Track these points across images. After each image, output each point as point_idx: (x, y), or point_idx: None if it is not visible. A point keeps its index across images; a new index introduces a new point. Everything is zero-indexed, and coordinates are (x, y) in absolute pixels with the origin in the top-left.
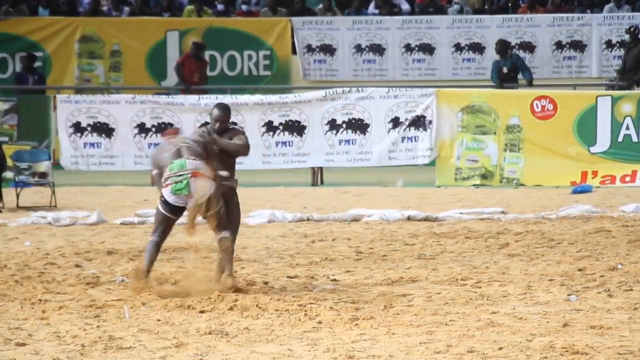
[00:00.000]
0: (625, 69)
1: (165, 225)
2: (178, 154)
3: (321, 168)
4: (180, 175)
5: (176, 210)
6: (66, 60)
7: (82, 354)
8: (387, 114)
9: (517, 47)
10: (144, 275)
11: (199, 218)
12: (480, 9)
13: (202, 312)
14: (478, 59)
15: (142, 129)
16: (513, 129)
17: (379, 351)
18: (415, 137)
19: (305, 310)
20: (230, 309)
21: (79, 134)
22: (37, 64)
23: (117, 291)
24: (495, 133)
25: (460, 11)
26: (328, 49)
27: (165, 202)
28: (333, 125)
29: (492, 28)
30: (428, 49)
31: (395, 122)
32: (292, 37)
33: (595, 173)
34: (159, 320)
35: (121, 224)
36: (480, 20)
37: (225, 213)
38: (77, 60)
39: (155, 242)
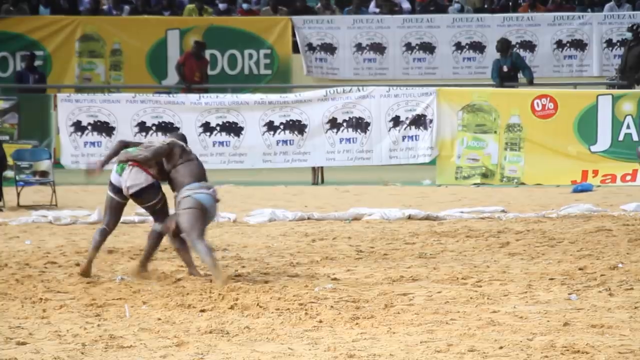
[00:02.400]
0: (626, 68)
1: (113, 210)
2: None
3: (322, 167)
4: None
5: (118, 191)
6: (67, 59)
7: (82, 353)
8: (388, 112)
9: (517, 46)
10: (88, 268)
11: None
12: (480, 7)
13: (202, 311)
14: (478, 58)
15: (143, 127)
16: (514, 128)
17: (379, 350)
18: (415, 136)
19: (305, 309)
20: (231, 307)
21: (79, 133)
22: (38, 62)
23: (118, 290)
24: (495, 132)
25: (461, 10)
26: (329, 48)
27: (110, 183)
28: (334, 124)
29: (493, 27)
30: (429, 47)
31: (396, 121)
32: (293, 36)
33: (595, 172)
34: (159, 319)
35: (121, 222)
36: (481, 19)
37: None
38: (78, 59)
39: (102, 230)
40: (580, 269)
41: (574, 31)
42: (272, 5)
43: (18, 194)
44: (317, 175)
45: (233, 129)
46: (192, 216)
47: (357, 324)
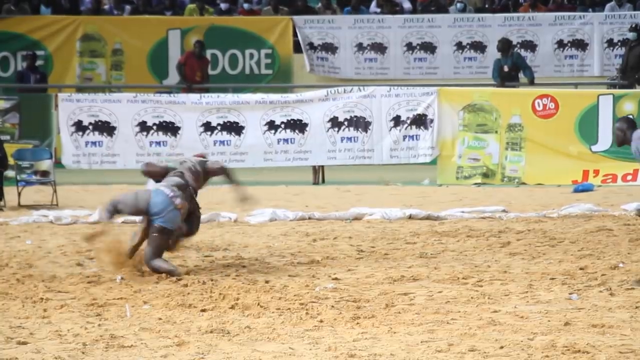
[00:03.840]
0: (627, 68)
1: None
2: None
3: (322, 167)
4: None
5: None
6: (68, 58)
7: (83, 353)
8: (389, 112)
9: (518, 45)
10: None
11: None
12: (481, 7)
13: (203, 310)
14: (479, 57)
15: (144, 127)
16: (514, 128)
17: (380, 350)
18: (416, 135)
19: (306, 309)
20: (232, 307)
21: (80, 133)
22: (39, 62)
23: (118, 289)
24: (496, 132)
25: (462, 10)
26: (330, 48)
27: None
28: (335, 123)
29: (494, 27)
30: (429, 47)
31: (397, 120)
32: (295, 35)
33: (596, 172)
34: (160, 319)
35: (122, 222)
36: (482, 19)
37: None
38: (79, 59)
39: None
40: (581, 268)
41: (574, 31)
42: (273, 5)
43: (19, 194)
44: (318, 175)
45: (234, 128)
46: (127, 196)
47: (357, 323)
